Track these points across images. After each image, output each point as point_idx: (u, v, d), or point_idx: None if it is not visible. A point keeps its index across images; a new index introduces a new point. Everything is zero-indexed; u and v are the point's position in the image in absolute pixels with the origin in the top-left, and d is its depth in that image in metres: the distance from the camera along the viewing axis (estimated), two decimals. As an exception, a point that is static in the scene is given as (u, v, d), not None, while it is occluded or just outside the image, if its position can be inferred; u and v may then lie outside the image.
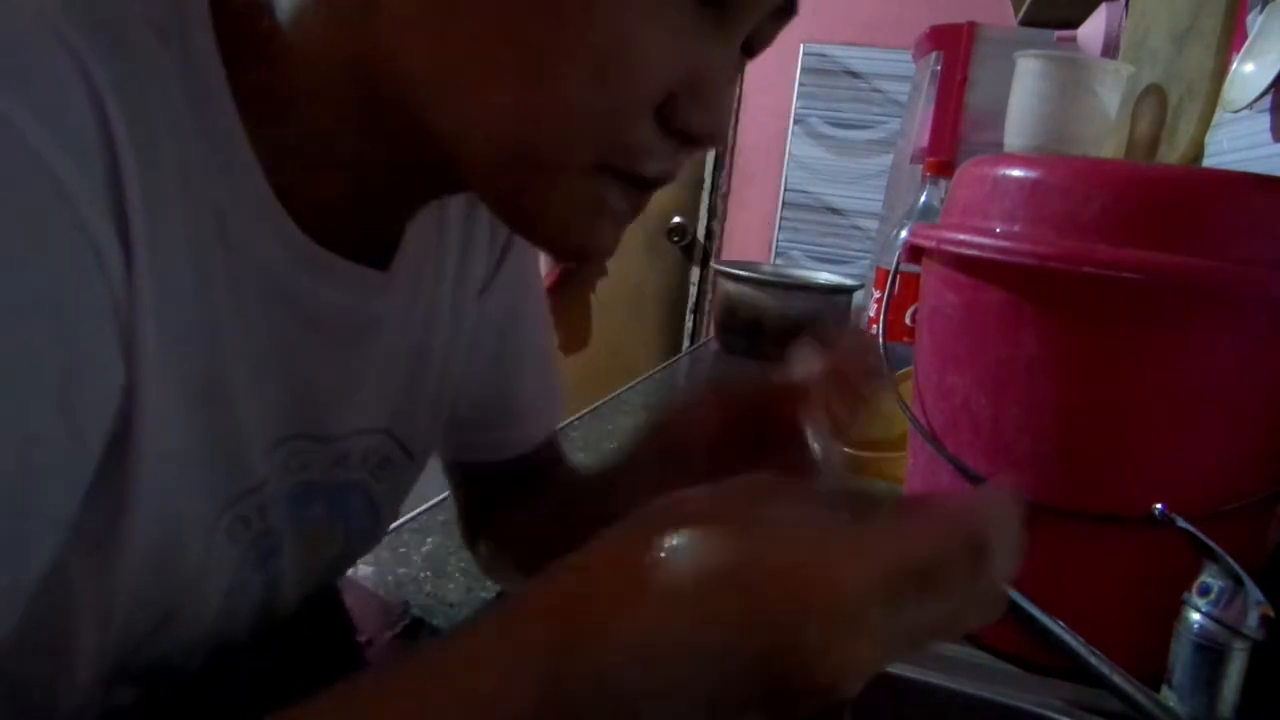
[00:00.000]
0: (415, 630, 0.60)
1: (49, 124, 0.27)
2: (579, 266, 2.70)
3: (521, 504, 0.59)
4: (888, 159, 2.45)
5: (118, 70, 0.30)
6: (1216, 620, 0.48)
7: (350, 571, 0.66)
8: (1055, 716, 0.58)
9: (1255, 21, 0.88)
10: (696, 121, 0.36)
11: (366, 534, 0.52)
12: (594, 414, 1.19)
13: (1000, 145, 1.14)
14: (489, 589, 0.65)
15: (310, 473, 0.45)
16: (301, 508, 0.45)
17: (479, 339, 0.54)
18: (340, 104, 0.37)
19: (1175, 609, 0.50)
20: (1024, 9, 1.65)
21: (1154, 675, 0.52)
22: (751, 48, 0.39)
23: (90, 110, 0.29)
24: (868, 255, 2.46)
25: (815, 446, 0.41)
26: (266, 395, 0.40)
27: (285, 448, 0.43)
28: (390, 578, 0.66)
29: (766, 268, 1.99)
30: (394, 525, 0.74)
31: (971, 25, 1.51)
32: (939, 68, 1.54)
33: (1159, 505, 0.50)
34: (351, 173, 0.39)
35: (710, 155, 2.74)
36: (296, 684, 0.33)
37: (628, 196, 0.37)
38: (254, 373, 0.39)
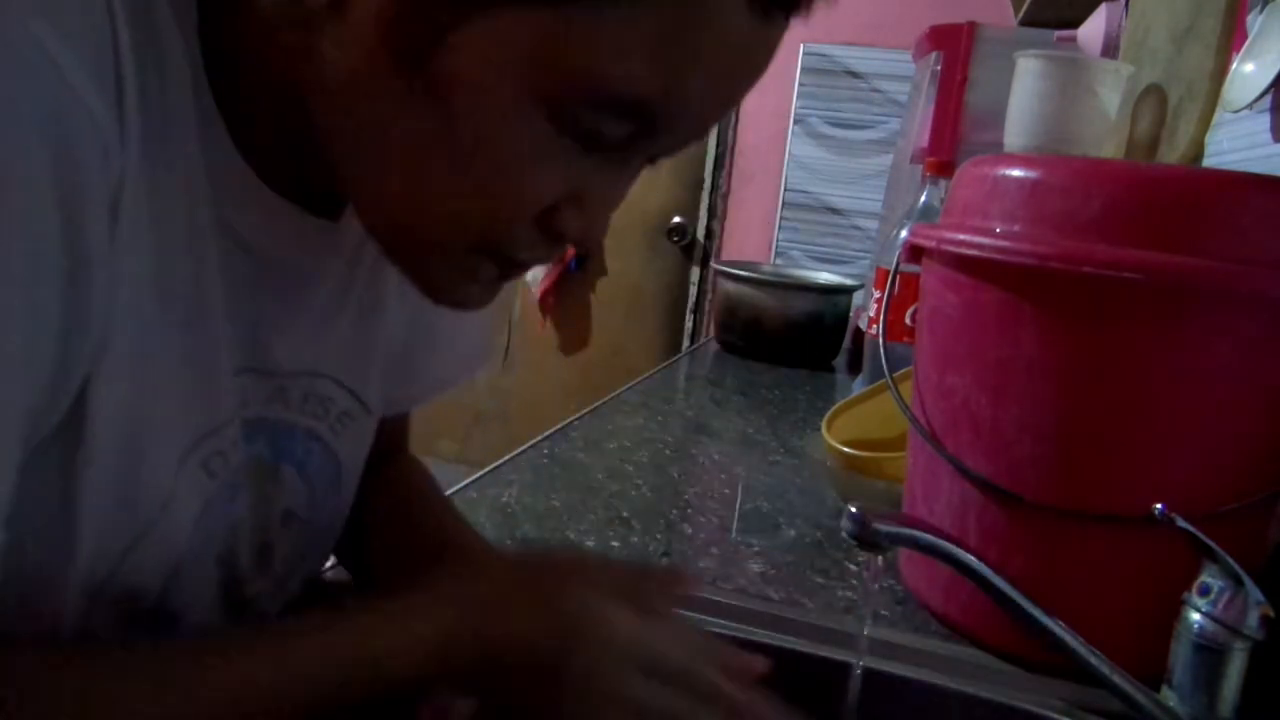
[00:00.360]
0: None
1: (72, 47, 0.31)
2: (577, 268, 2.71)
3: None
4: (888, 159, 2.45)
5: (128, 10, 0.33)
6: (1216, 620, 0.48)
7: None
8: (1055, 716, 0.58)
9: (1255, 21, 0.88)
10: (572, 230, 0.40)
11: (330, 485, 0.53)
12: (594, 414, 1.19)
13: (1000, 145, 1.14)
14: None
15: (258, 408, 0.47)
16: (250, 444, 0.47)
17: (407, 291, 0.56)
18: (284, 117, 0.40)
19: (1175, 609, 0.50)
20: (1024, 9, 1.65)
21: (1154, 675, 0.52)
22: (654, 161, 0.41)
23: (108, 36, 0.32)
24: (868, 255, 2.46)
25: None
26: (234, 327, 0.43)
27: (241, 379, 0.45)
28: (390, 578, 0.66)
29: (766, 268, 1.99)
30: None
31: (971, 25, 1.51)
32: (939, 68, 1.54)
33: (1159, 505, 0.50)
34: (298, 153, 0.42)
35: (710, 155, 2.74)
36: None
37: (500, 269, 0.41)
38: (224, 304, 0.41)
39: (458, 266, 0.41)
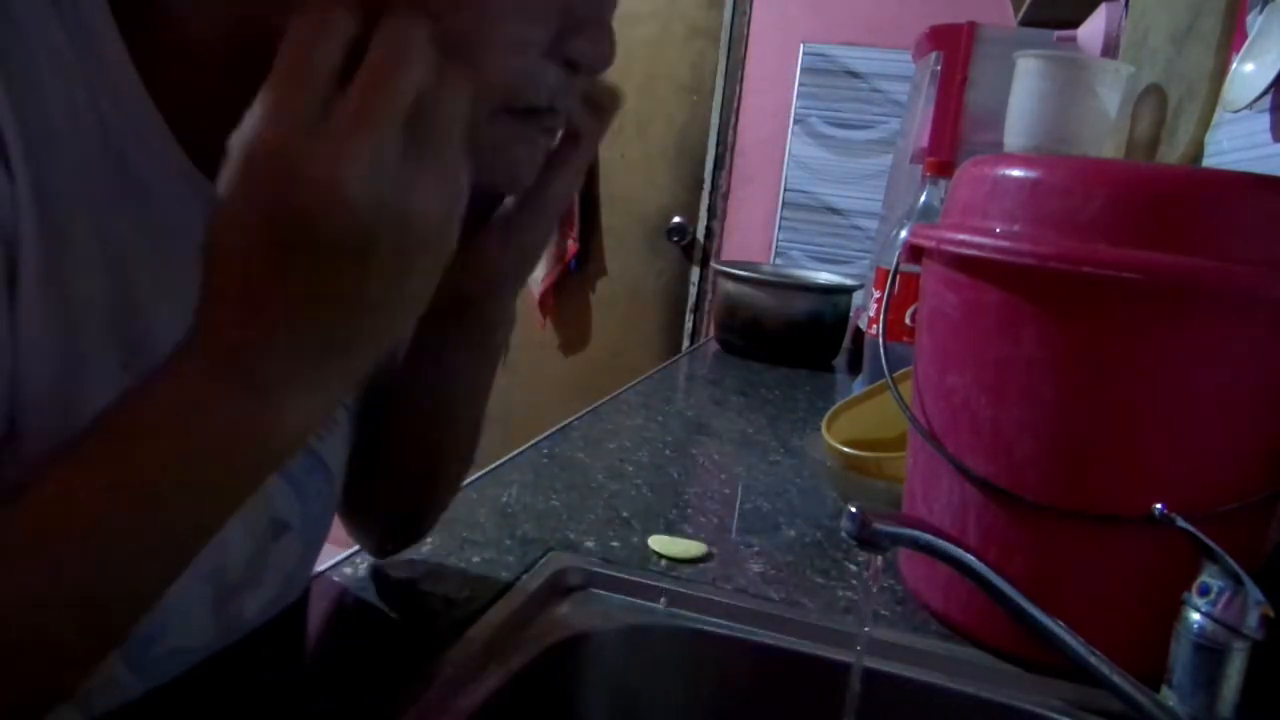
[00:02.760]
0: (413, 629, 0.60)
1: None
2: (577, 268, 2.68)
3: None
4: (888, 159, 2.45)
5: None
6: (1216, 620, 0.48)
7: (349, 570, 0.66)
8: (1055, 716, 0.58)
9: (1255, 21, 0.88)
10: (582, 51, 0.39)
11: (320, 494, 0.53)
12: (594, 414, 1.19)
13: (1000, 145, 1.14)
14: (489, 588, 0.65)
15: None
16: None
17: None
18: (228, 53, 0.38)
19: (1175, 609, 0.50)
20: (1024, 9, 1.65)
21: (1154, 675, 0.52)
22: None
23: None
24: (868, 255, 2.46)
25: None
26: (180, 328, 0.41)
27: None
28: (390, 578, 0.66)
29: (766, 268, 1.99)
30: (394, 525, 0.74)
31: (971, 25, 1.51)
32: (939, 68, 1.54)
33: (1159, 505, 0.50)
34: (230, 107, 0.40)
35: (710, 155, 2.74)
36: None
37: (535, 125, 0.40)
38: (168, 305, 0.40)
39: (492, 140, 0.39)
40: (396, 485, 0.61)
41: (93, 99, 0.35)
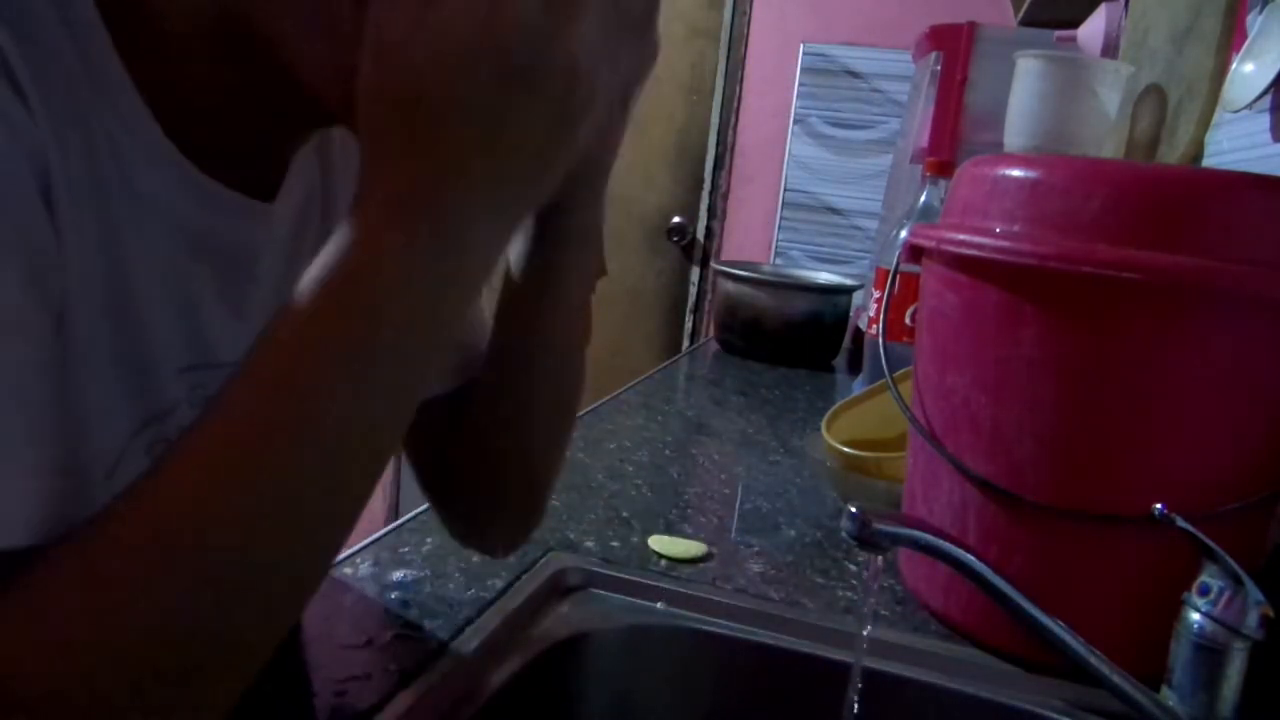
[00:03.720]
0: (414, 629, 0.60)
1: None
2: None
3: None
4: (888, 159, 2.45)
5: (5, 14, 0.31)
6: (1216, 620, 0.48)
7: (349, 570, 0.66)
8: (1055, 716, 0.58)
9: (1255, 21, 0.88)
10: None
11: None
12: (594, 414, 1.19)
13: (1000, 145, 1.14)
14: (489, 589, 0.65)
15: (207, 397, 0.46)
16: None
17: None
18: (212, 48, 0.38)
19: (1175, 609, 0.50)
20: (1024, 9, 1.65)
21: (1154, 675, 0.52)
22: None
23: None
24: (868, 255, 2.46)
25: None
26: (169, 321, 0.41)
27: (190, 375, 0.43)
28: (390, 578, 0.66)
29: (766, 268, 1.99)
30: (394, 525, 0.74)
31: (971, 25, 1.51)
32: (939, 68, 1.54)
33: (1159, 505, 0.50)
34: (229, 110, 0.40)
35: (710, 155, 2.74)
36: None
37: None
38: (157, 297, 0.39)
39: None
40: (522, 454, 0.56)
41: (92, 96, 0.35)
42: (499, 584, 0.65)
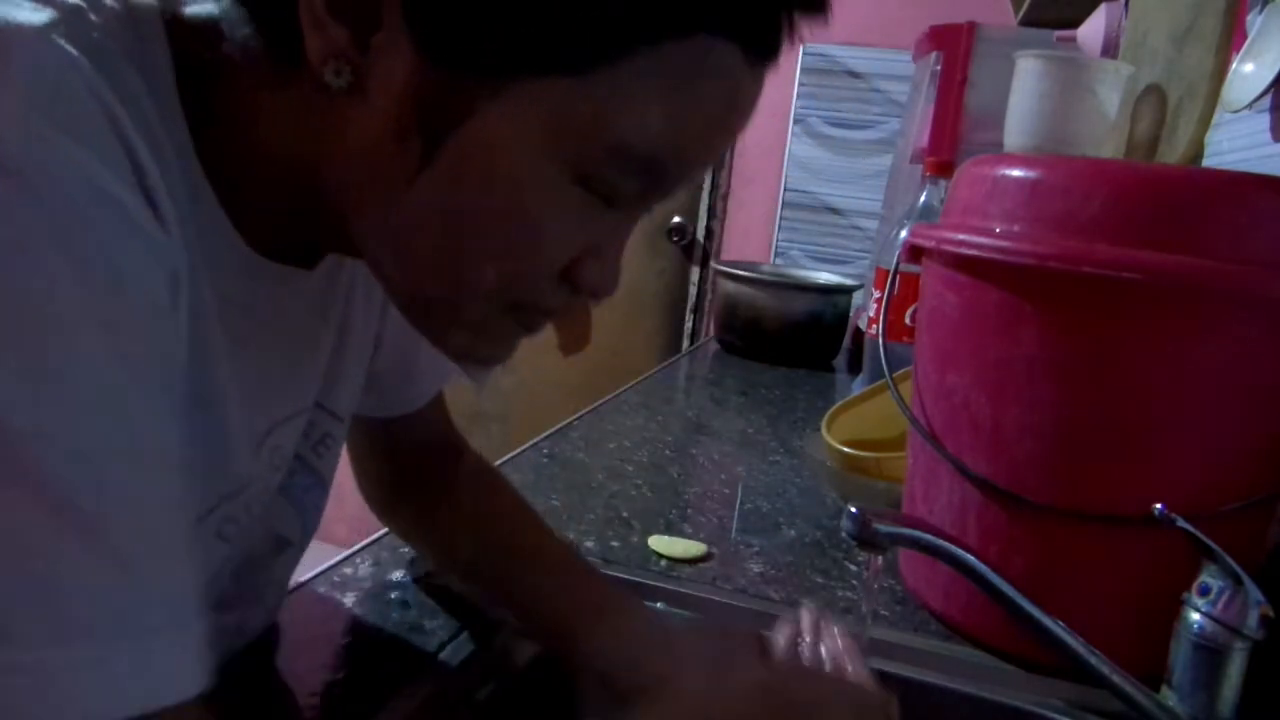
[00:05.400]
0: (414, 630, 0.60)
1: (104, 162, 0.30)
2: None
3: (430, 478, 0.65)
4: (888, 159, 2.45)
5: (118, 94, 0.32)
6: (1216, 620, 0.48)
7: (349, 570, 0.66)
8: (1055, 716, 0.58)
9: (1255, 21, 0.88)
10: (594, 280, 0.41)
11: (317, 506, 0.55)
12: (594, 414, 1.19)
13: (1000, 145, 1.14)
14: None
15: (275, 465, 0.48)
16: (270, 505, 0.49)
17: (388, 307, 0.58)
18: (280, 181, 0.40)
19: (1175, 609, 0.50)
20: (1024, 9, 1.65)
21: (1154, 675, 0.52)
22: (648, 209, 0.43)
23: (116, 137, 0.31)
24: (868, 255, 2.45)
25: None
26: (242, 397, 0.43)
27: (266, 445, 0.46)
28: (390, 578, 0.66)
29: (766, 268, 1.99)
30: (394, 525, 0.74)
31: (971, 25, 1.51)
32: (939, 68, 1.54)
33: (1159, 505, 0.50)
34: (286, 224, 0.42)
35: (710, 155, 2.74)
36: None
37: (524, 327, 0.42)
38: (231, 377, 0.42)
39: (483, 330, 0.41)
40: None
41: (175, 181, 0.36)
42: (499, 584, 0.65)
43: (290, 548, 0.54)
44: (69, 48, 0.30)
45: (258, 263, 0.42)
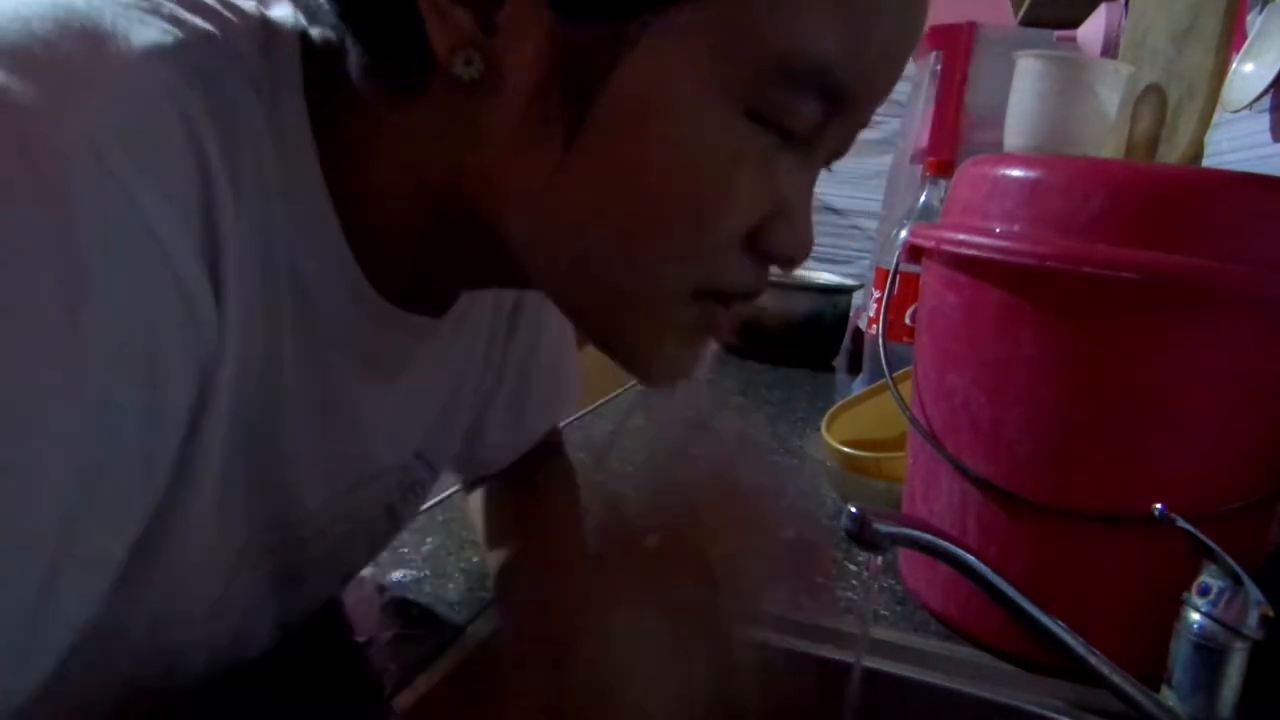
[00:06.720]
0: (415, 629, 0.60)
1: (159, 190, 0.28)
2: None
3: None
4: (888, 159, 2.45)
5: (220, 128, 0.30)
6: (1216, 620, 0.48)
7: (350, 571, 0.66)
8: (1055, 716, 0.58)
9: (1255, 21, 0.88)
10: (783, 244, 0.37)
11: (385, 540, 0.55)
12: (594, 414, 1.19)
13: (1000, 145, 1.14)
14: (489, 589, 0.65)
15: (355, 517, 0.46)
16: (340, 545, 0.47)
17: (504, 370, 0.57)
18: (419, 204, 0.37)
19: (1175, 609, 0.50)
20: (1024, 9, 1.65)
21: (1154, 675, 0.52)
22: (830, 160, 0.39)
23: (197, 173, 0.29)
24: (868, 255, 2.45)
25: None
26: (321, 449, 0.40)
27: (336, 504, 0.44)
28: (390, 578, 0.66)
29: (766, 268, 1.98)
30: (394, 525, 0.74)
31: (971, 25, 1.51)
32: (939, 68, 1.54)
33: (1159, 505, 0.50)
34: (420, 259, 0.39)
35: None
36: (299, 685, 0.33)
37: (717, 314, 0.38)
38: (311, 425, 0.39)
39: (678, 323, 0.37)
40: None
41: (285, 214, 0.34)
42: (499, 584, 0.65)
43: (352, 575, 0.54)
44: (170, 74, 0.28)
45: (388, 312, 0.39)
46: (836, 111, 0.34)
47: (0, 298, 0.24)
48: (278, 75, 0.33)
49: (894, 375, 0.73)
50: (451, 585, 0.65)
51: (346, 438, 0.42)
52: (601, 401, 1.26)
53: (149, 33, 0.29)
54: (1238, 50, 0.89)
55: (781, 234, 0.36)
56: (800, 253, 0.38)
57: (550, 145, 0.33)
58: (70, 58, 0.27)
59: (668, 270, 0.35)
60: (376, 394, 0.43)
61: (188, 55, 0.29)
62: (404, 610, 0.62)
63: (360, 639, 0.58)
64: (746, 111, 0.33)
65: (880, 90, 0.36)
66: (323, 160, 0.34)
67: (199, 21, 0.31)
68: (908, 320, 1.11)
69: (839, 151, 0.39)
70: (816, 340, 1.69)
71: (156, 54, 0.28)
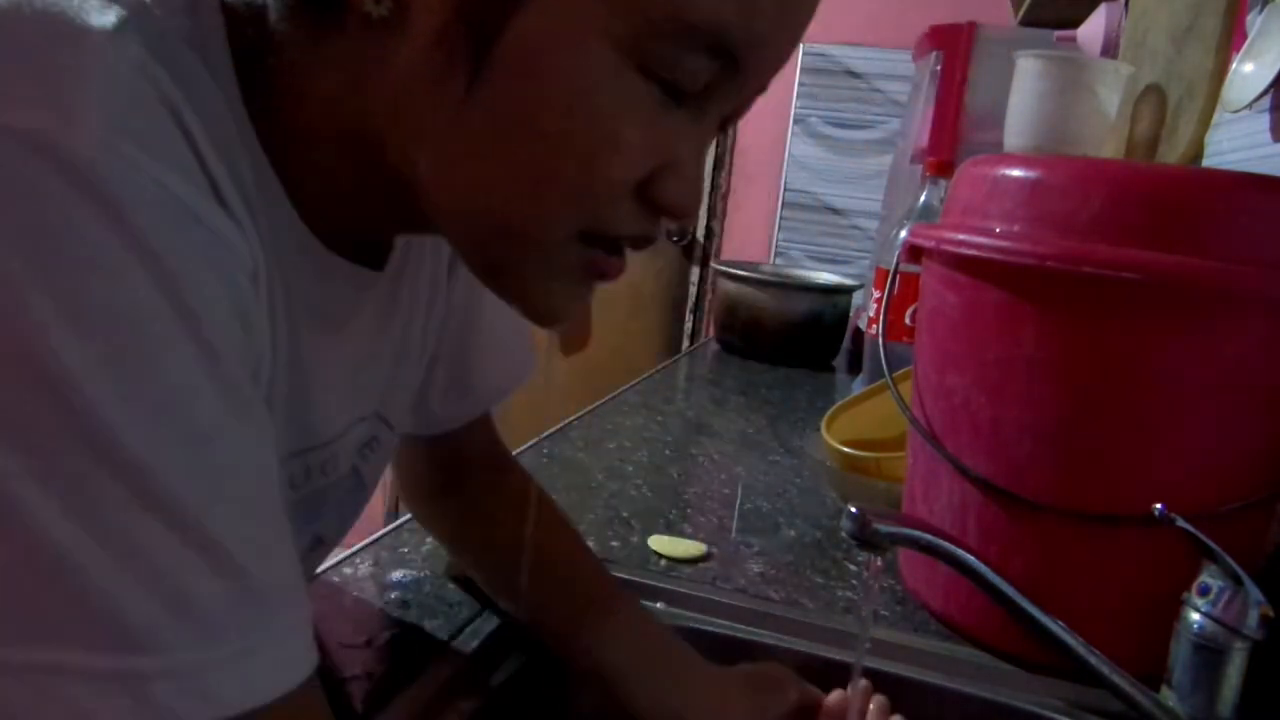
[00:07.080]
0: (415, 630, 0.60)
1: (179, 173, 0.30)
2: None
3: (476, 492, 0.66)
4: (888, 159, 2.45)
5: (183, 92, 0.31)
6: (1216, 620, 0.48)
7: (349, 571, 0.66)
8: (1055, 716, 0.58)
9: (1255, 21, 0.88)
10: (671, 197, 0.38)
11: (356, 509, 0.55)
12: (594, 414, 1.19)
13: (1000, 145, 1.14)
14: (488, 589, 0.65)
15: (313, 483, 0.47)
16: (300, 515, 0.47)
17: (447, 319, 0.58)
18: (340, 147, 0.38)
19: (1175, 609, 0.50)
20: (1024, 9, 1.65)
21: (1154, 675, 0.52)
22: (726, 123, 0.40)
23: (183, 138, 0.31)
24: (867, 255, 2.46)
25: None
26: (278, 409, 0.41)
27: (290, 464, 0.44)
28: (390, 578, 0.66)
29: (766, 268, 1.99)
30: (394, 525, 0.74)
31: (971, 25, 1.51)
32: (939, 68, 1.54)
33: (1159, 505, 0.50)
34: (350, 200, 0.41)
35: (710, 155, 2.74)
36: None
37: (604, 258, 0.39)
38: (273, 382, 0.40)
39: (564, 263, 0.39)
40: None
41: (243, 172, 0.36)
42: (499, 584, 0.65)
43: (323, 546, 0.53)
44: (138, 52, 0.30)
45: (330, 262, 0.41)
46: (729, 72, 0.36)
47: (107, 309, 0.27)
48: (206, 31, 0.35)
49: (894, 375, 0.73)
50: (451, 585, 0.65)
51: (299, 412, 0.43)
52: (601, 402, 1.26)
53: (108, 18, 0.30)
54: (1238, 50, 0.89)
55: (670, 187, 0.37)
56: (688, 206, 0.39)
57: (453, 84, 0.34)
58: (54, 59, 0.28)
59: (556, 211, 0.36)
60: (327, 346, 0.44)
61: (141, 27, 0.31)
62: (404, 610, 0.62)
63: (360, 640, 0.58)
64: (639, 66, 0.34)
65: (774, 57, 0.37)
66: (249, 109, 0.36)
67: None
68: (908, 320, 1.11)
69: (736, 114, 0.40)
70: (816, 340, 1.69)
71: (120, 36, 0.30)
